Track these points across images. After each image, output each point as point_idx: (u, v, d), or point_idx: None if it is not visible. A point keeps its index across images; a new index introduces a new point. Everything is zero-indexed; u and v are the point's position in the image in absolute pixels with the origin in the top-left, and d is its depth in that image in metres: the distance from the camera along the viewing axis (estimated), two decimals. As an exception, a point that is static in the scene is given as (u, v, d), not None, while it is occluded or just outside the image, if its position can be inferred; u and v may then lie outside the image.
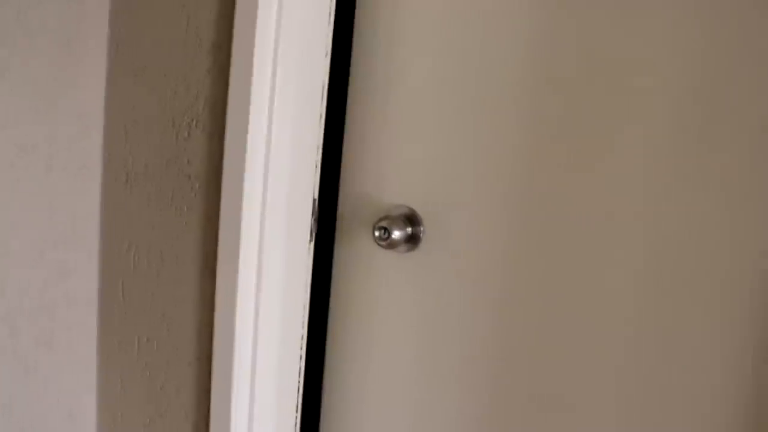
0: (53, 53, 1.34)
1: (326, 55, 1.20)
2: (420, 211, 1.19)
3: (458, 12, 1.14)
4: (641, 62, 1.01)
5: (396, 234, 1.17)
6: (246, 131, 1.11)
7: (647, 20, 1.00)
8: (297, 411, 1.28)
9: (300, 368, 1.27)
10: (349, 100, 1.25)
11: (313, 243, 1.24)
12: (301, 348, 1.26)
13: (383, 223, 1.17)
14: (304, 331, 1.26)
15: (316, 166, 1.22)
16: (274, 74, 1.11)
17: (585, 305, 1.07)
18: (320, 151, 1.22)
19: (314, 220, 1.23)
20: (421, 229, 1.19)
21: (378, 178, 1.23)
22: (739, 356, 0.97)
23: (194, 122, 1.19)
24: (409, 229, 1.19)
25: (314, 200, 1.23)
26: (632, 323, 1.04)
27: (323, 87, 1.20)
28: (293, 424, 1.27)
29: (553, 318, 1.10)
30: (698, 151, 0.98)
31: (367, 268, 1.25)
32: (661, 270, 1.01)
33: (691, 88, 0.98)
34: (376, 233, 1.17)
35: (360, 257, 1.26)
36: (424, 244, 1.20)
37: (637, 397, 1.04)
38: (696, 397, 1.00)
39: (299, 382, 1.27)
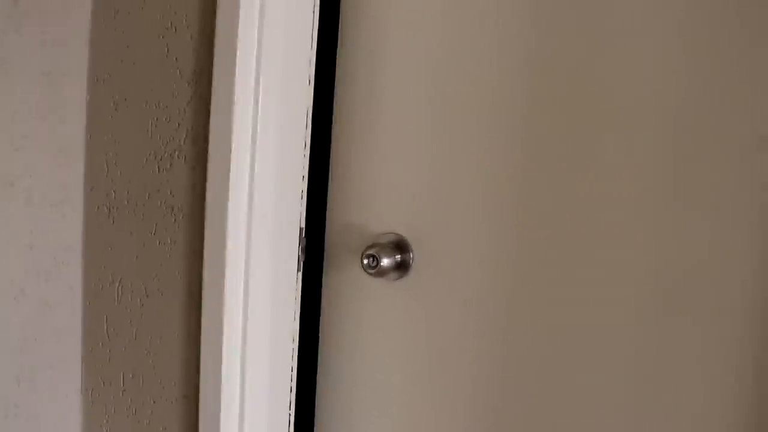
0: (32, 85, 1.32)
1: (309, 82, 1.18)
2: (408, 238, 1.17)
3: (440, 38, 1.13)
4: (634, 73, 1.00)
5: (385, 261, 1.14)
6: (228, 162, 1.09)
7: (642, 27, 0.99)
8: (288, 445, 1.25)
9: (290, 401, 1.24)
10: (334, 127, 1.23)
11: (301, 273, 1.22)
12: (292, 380, 1.23)
13: (371, 251, 1.14)
14: (294, 363, 1.23)
15: (302, 196, 1.20)
16: (256, 103, 1.09)
17: (582, 323, 1.06)
18: (306, 179, 1.20)
19: (302, 249, 1.21)
20: (411, 255, 1.17)
21: (365, 205, 1.21)
22: (742, 360, 0.96)
23: (176, 153, 1.17)
24: (398, 256, 1.17)
25: (301, 229, 1.21)
26: (632, 341, 1.02)
27: (307, 114, 1.18)
28: (284, 460, 1.24)
29: (549, 339, 1.08)
30: (693, 160, 0.97)
31: (356, 297, 1.23)
32: (660, 291, 1.00)
33: (685, 97, 0.97)
34: (365, 261, 1.14)
35: (349, 286, 1.23)
36: (414, 271, 1.18)
37: (644, 413, 1.02)
38: (700, 401, 0.99)
39: (290, 415, 1.24)
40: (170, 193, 1.18)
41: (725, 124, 0.95)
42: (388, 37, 1.17)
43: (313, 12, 1.17)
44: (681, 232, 0.98)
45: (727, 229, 0.96)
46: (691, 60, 0.97)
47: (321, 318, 1.27)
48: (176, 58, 1.15)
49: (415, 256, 1.17)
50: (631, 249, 1.02)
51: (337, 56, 1.22)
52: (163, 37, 1.16)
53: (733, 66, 0.94)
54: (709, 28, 0.95)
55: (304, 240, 1.21)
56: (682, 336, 0.99)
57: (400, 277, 1.18)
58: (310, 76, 1.18)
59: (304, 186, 1.20)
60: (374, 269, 1.14)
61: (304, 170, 1.19)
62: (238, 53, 1.08)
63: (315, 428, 1.29)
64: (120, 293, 1.25)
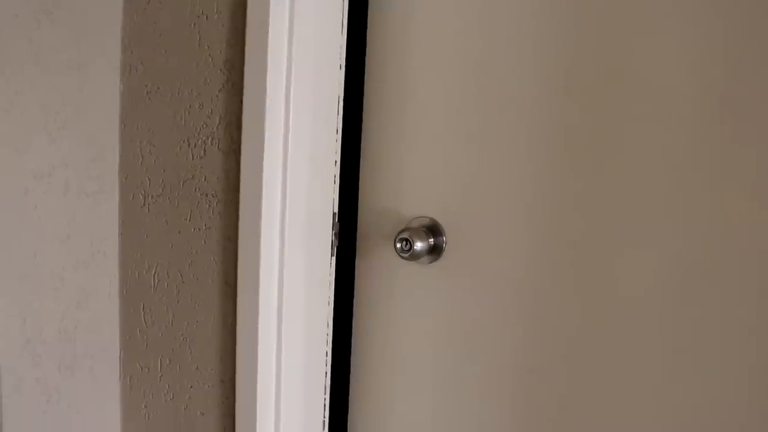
0: (65, 77, 1.34)
1: (340, 68, 1.18)
2: (441, 221, 1.17)
3: (471, 20, 1.12)
4: (657, 63, 0.99)
5: (418, 245, 1.15)
6: (262, 148, 1.10)
7: (662, 21, 0.98)
8: (324, 429, 1.25)
9: (326, 385, 1.24)
10: (365, 112, 1.23)
11: (334, 258, 1.22)
12: (326, 364, 1.24)
13: (404, 235, 1.15)
14: (329, 348, 1.24)
15: (334, 181, 1.20)
16: (288, 90, 1.09)
17: (613, 309, 1.05)
18: (338, 164, 1.20)
19: (335, 234, 1.21)
20: (444, 239, 1.17)
21: (397, 190, 1.21)
22: (761, 359, 0.94)
23: (210, 140, 1.18)
24: (431, 240, 1.17)
25: (334, 214, 1.21)
26: (664, 326, 1.01)
27: (339, 100, 1.19)
28: (321, 443, 1.25)
29: (581, 325, 1.07)
30: (718, 151, 0.96)
31: (389, 280, 1.23)
32: (689, 269, 0.99)
33: (708, 88, 0.96)
34: (398, 245, 1.15)
35: (382, 270, 1.24)
36: (446, 255, 1.18)
37: (671, 405, 1.01)
38: (720, 402, 0.97)
39: (325, 398, 1.25)
40: (204, 179, 1.19)
41: (751, 115, 0.93)
42: (417, 22, 1.17)
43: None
44: (708, 223, 0.97)
45: (745, 232, 0.95)
46: (717, 51, 0.95)
47: (354, 302, 1.27)
48: (208, 46, 1.16)
49: (448, 240, 1.17)
50: (659, 239, 1.00)
51: (368, 41, 1.22)
52: (194, 25, 1.17)
53: (762, 57, 0.93)
54: (739, 17, 0.94)
55: (338, 225, 1.22)
56: (712, 325, 0.98)
57: (433, 260, 1.18)
58: (341, 62, 1.18)
59: (336, 171, 1.20)
60: (407, 253, 1.14)
61: (337, 156, 1.20)
62: (269, 40, 1.08)
63: (350, 411, 1.30)
64: (156, 280, 1.27)
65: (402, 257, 1.15)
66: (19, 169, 1.42)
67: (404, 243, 1.14)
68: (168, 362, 1.27)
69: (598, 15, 1.03)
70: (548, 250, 1.09)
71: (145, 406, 1.31)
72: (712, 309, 0.98)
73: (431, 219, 1.18)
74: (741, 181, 0.95)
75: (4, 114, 1.42)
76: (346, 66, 1.20)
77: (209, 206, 1.19)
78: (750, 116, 0.93)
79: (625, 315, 1.04)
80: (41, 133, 1.38)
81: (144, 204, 1.27)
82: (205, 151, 1.18)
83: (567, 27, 1.05)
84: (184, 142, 1.20)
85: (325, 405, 1.25)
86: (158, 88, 1.23)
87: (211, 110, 1.17)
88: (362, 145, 1.24)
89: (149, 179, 1.26)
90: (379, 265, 1.24)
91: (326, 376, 1.24)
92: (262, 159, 1.10)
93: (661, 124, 0.99)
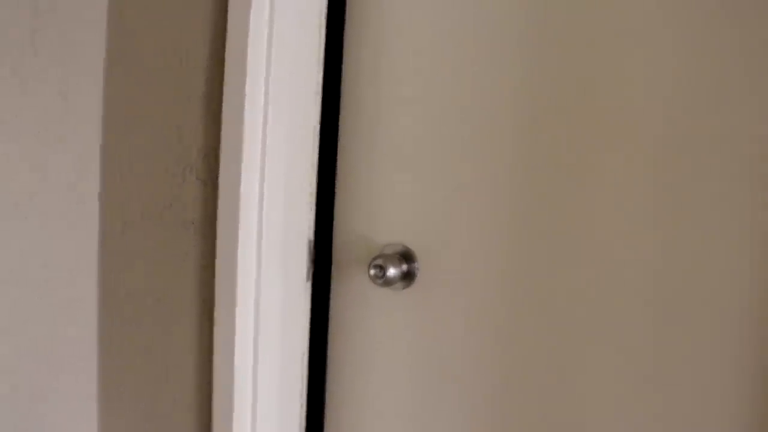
0: (48, 104, 1.35)
1: (317, 94, 1.21)
2: (414, 248, 1.20)
3: (444, 49, 1.15)
4: (636, 72, 1.02)
5: (391, 272, 1.17)
6: (239, 177, 1.12)
7: (643, 27, 1.02)
8: (299, 454, 1.27)
9: (301, 413, 1.26)
10: (340, 139, 1.26)
11: (310, 283, 1.25)
12: (302, 391, 1.26)
13: (378, 261, 1.17)
14: (305, 372, 1.26)
15: (310, 208, 1.23)
16: (265, 121, 1.12)
17: (588, 335, 1.07)
18: (314, 193, 1.23)
19: (310, 261, 1.24)
20: (416, 265, 1.20)
21: (371, 217, 1.24)
22: (744, 357, 0.98)
23: (188, 169, 1.20)
24: (405, 266, 1.19)
25: (310, 241, 1.24)
26: (635, 351, 1.04)
27: (315, 131, 1.22)
28: (296, 467, 1.27)
29: (554, 352, 1.10)
30: (694, 156, 0.99)
31: (363, 306, 1.25)
32: (666, 291, 1.02)
33: (686, 94, 0.99)
34: (372, 271, 1.17)
35: (357, 296, 1.26)
36: (419, 281, 1.20)
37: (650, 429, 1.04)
38: (706, 401, 1.01)
39: (300, 425, 1.26)
40: (182, 208, 1.21)
41: (724, 125, 0.97)
42: (392, 52, 1.20)
43: (320, 33, 1.20)
44: (681, 236, 1.00)
45: (726, 231, 0.98)
46: (689, 64, 0.99)
47: (329, 327, 1.29)
48: (188, 77, 1.19)
49: (421, 266, 1.20)
50: (632, 258, 1.03)
51: (343, 71, 1.25)
52: (176, 58, 1.20)
53: (732, 69, 0.96)
54: (710, 34, 0.98)
55: (313, 252, 1.24)
56: (685, 340, 1.01)
57: (406, 286, 1.21)
58: (318, 89, 1.21)
59: (312, 199, 1.23)
60: (381, 279, 1.16)
61: (313, 184, 1.22)
62: (247, 76, 1.11)
63: (325, 436, 1.31)
64: (134, 307, 1.28)
65: (376, 283, 1.18)
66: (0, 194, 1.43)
67: (378, 269, 1.17)
68: (145, 387, 1.28)
69: (574, 30, 1.06)
70: (521, 276, 1.12)
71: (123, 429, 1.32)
72: (692, 330, 1.01)
73: (404, 246, 1.21)
74: (718, 189, 0.98)
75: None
76: (322, 93, 1.22)
77: (187, 234, 1.21)
78: (728, 123, 0.97)
79: (601, 340, 1.06)
80: (23, 159, 1.39)
81: (123, 230, 1.29)
82: (184, 180, 1.20)
83: (542, 47, 1.08)
84: (163, 171, 1.23)
85: (300, 430, 1.26)
86: (139, 117, 1.26)
87: (191, 141, 1.19)
88: (337, 172, 1.27)
89: (128, 206, 1.28)
90: (353, 291, 1.26)
91: (302, 407, 1.26)
92: (239, 189, 1.13)
93: (632, 144, 1.02)
